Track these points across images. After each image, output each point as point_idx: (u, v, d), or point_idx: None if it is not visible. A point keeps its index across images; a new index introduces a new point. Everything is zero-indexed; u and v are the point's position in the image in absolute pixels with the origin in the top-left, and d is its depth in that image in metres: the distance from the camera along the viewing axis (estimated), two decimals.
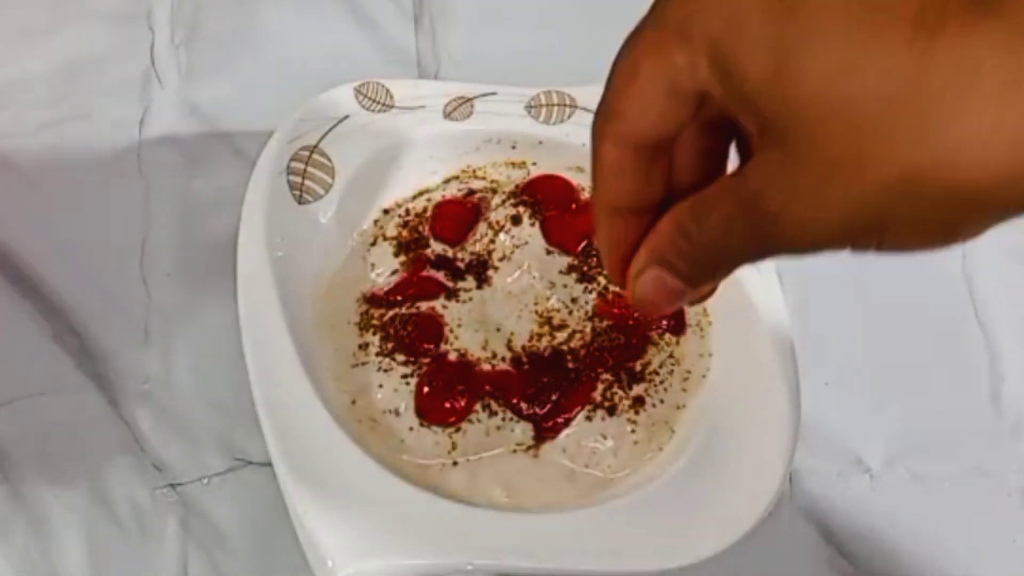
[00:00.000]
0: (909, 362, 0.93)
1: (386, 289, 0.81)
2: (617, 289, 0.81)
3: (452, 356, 0.78)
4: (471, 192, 0.86)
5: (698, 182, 0.50)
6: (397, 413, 0.75)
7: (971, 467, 0.89)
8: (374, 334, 0.78)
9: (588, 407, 0.76)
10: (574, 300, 0.82)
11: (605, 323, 0.80)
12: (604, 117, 0.48)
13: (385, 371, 0.76)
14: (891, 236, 0.42)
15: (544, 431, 0.76)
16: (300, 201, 0.79)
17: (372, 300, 0.80)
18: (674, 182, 0.50)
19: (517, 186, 0.85)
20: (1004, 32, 0.37)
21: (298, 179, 0.79)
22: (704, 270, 0.49)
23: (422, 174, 0.87)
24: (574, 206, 0.82)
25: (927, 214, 0.41)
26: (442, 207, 0.84)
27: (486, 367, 0.78)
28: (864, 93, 0.39)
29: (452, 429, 0.75)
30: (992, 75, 0.37)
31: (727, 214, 0.45)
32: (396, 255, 0.82)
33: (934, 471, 0.88)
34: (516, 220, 0.83)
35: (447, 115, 0.84)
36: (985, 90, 0.37)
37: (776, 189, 0.43)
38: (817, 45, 0.40)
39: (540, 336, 0.79)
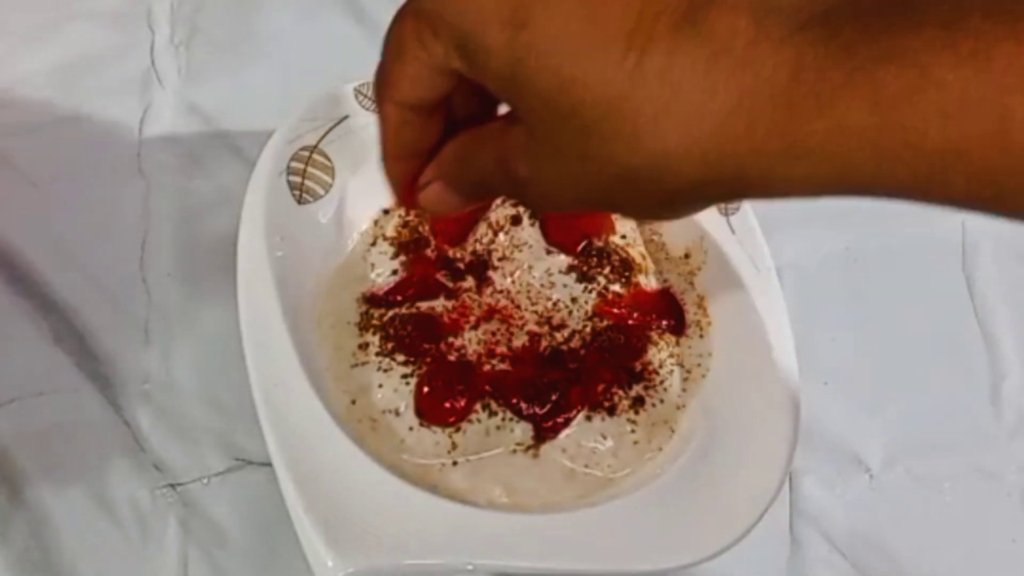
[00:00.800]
0: (909, 362, 0.93)
1: (386, 289, 0.81)
2: (616, 288, 0.82)
3: (452, 356, 0.78)
4: None
5: (475, 114, 0.56)
6: (397, 413, 0.75)
7: (971, 467, 0.89)
8: (374, 334, 0.78)
9: (588, 407, 0.76)
10: (574, 300, 0.82)
11: (605, 323, 0.80)
12: (382, 84, 0.55)
13: (385, 371, 0.76)
14: (620, 211, 0.55)
15: (544, 431, 0.76)
16: (300, 201, 0.79)
17: (372, 300, 0.80)
18: (456, 115, 0.56)
19: None
20: (704, 51, 0.42)
21: (298, 179, 0.79)
22: (476, 191, 0.58)
23: None
24: None
25: (645, 199, 0.48)
26: None
27: (486, 367, 0.78)
28: (585, 102, 0.44)
29: (452, 429, 0.75)
30: (691, 92, 0.42)
31: (490, 161, 0.53)
32: (396, 255, 0.82)
33: (934, 471, 0.89)
34: (516, 220, 0.83)
35: None
36: (685, 106, 0.42)
37: (523, 162, 0.50)
38: (544, 56, 0.45)
39: (540, 336, 0.79)
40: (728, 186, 0.45)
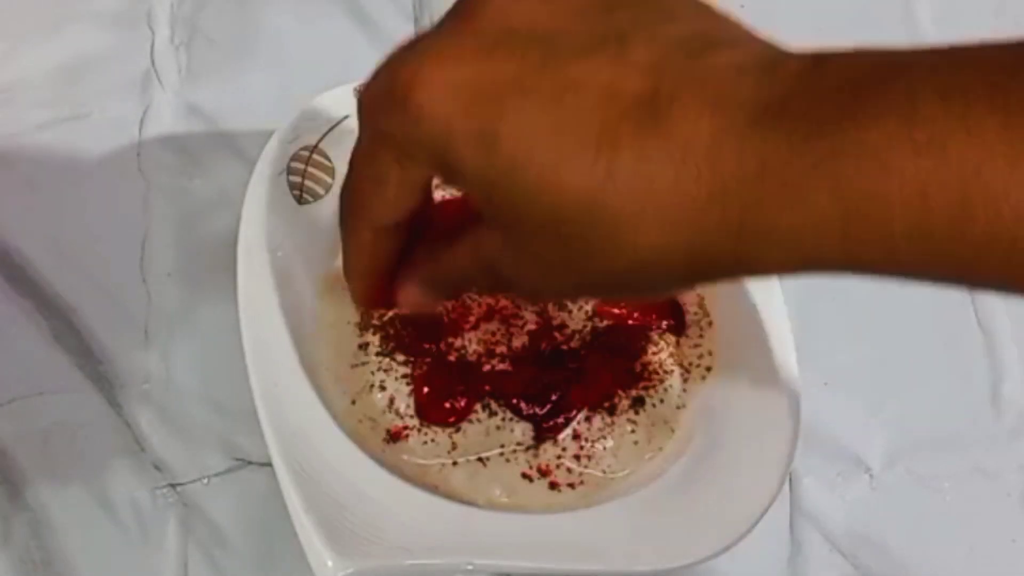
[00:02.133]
0: (909, 362, 0.93)
1: None
2: None
3: (452, 356, 0.78)
4: None
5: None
6: (397, 413, 0.75)
7: (971, 467, 0.89)
8: (374, 334, 0.78)
9: (588, 407, 0.76)
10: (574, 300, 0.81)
11: (605, 323, 0.80)
12: (358, 211, 0.58)
13: (385, 371, 0.76)
14: (609, 299, 0.60)
15: (544, 431, 0.76)
16: (300, 201, 0.79)
17: None
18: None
19: None
20: (670, 149, 0.43)
21: (298, 179, 0.79)
22: (454, 290, 0.64)
23: None
24: None
25: (631, 291, 0.53)
26: (441, 207, 0.83)
27: (486, 367, 0.78)
28: (561, 211, 0.45)
29: (452, 429, 0.75)
30: (663, 192, 0.43)
31: (468, 264, 0.55)
32: None
33: (934, 471, 0.89)
34: None
35: None
36: (659, 205, 0.43)
37: (506, 265, 0.52)
38: (516, 171, 0.46)
39: (540, 336, 0.79)
40: (708, 273, 0.47)
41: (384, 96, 0.50)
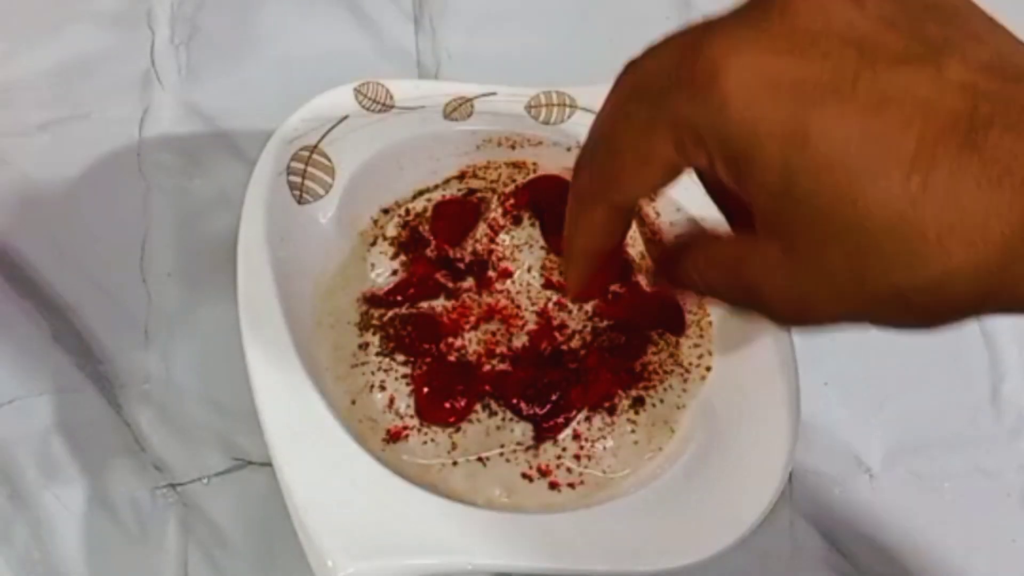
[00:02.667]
0: (909, 362, 0.93)
1: (386, 289, 0.80)
2: (616, 288, 0.82)
3: (452, 356, 0.78)
4: (471, 192, 0.85)
5: None
6: (397, 413, 0.75)
7: (971, 467, 0.89)
8: (374, 334, 0.78)
9: (588, 407, 0.76)
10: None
11: (605, 323, 0.80)
12: (605, 185, 0.55)
13: (385, 371, 0.76)
14: (878, 324, 0.50)
15: (544, 431, 0.76)
16: (300, 201, 0.79)
17: (372, 300, 0.80)
18: None
19: (517, 186, 0.84)
20: (987, 173, 0.42)
21: (298, 179, 0.79)
22: (695, 291, 0.61)
23: (422, 174, 0.86)
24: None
25: (914, 316, 0.47)
26: (442, 207, 0.84)
27: (486, 367, 0.78)
28: (865, 221, 0.44)
29: (452, 429, 0.74)
30: (975, 214, 0.42)
31: (728, 284, 0.55)
32: (396, 255, 0.82)
33: (934, 471, 0.89)
34: (516, 220, 0.83)
35: (447, 115, 0.84)
36: (969, 227, 0.42)
37: (774, 284, 0.50)
38: (822, 175, 0.45)
39: (540, 336, 0.79)
40: (1005, 303, 0.45)
41: (681, 76, 0.48)
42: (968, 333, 0.95)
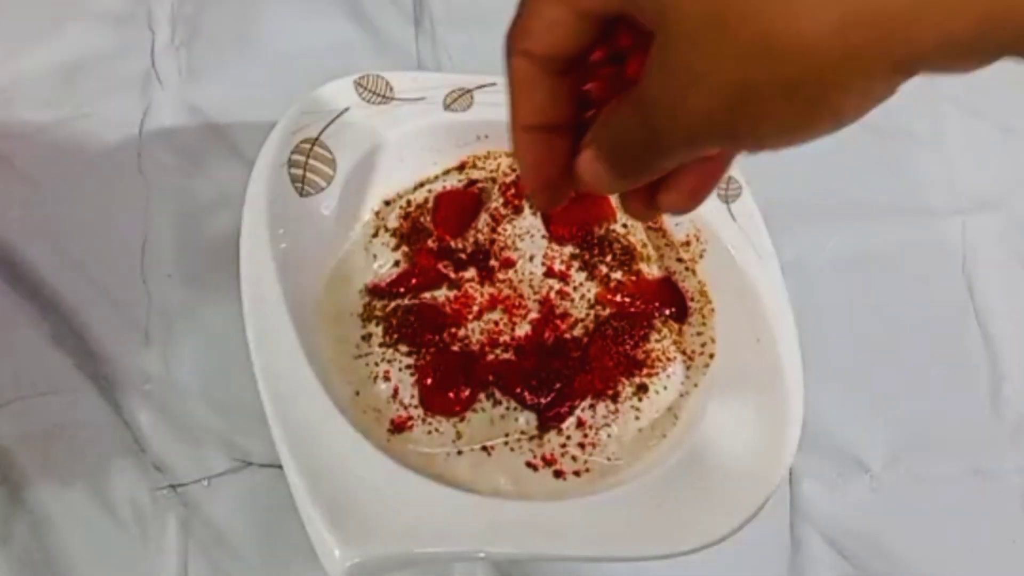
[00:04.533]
0: (909, 363, 0.93)
1: (388, 280, 0.81)
2: (618, 277, 0.82)
3: (455, 346, 0.78)
4: (472, 183, 0.86)
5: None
6: (401, 403, 0.75)
7: (971, 468, 0.90)
8: (377, 325, 0.78)
9: (592, 395, 0.76)
10: (576, 289, 0.82)
11: (607, 311, 0.80)
12: (517, 35, 0.52)
13: (389, 362, 0.76)
14: (762, 111, 0.44)
15: (548, 420, 0.76)
16: (302, 194, 0.79)
17: (374, 291, 0.80)
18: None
19: (518, 176, 0.85)
20: None
21: (299, 172, 0.79)
22: (624, 160, 0.53)
23: (423, 165, 0.87)
24: (574, 195, 0.82)
25: (786, 79, 0.42)
26: (443, 198, 0.84)
27: (489, 357, 0.78)
28: None
29: (456, 419, 0.75)
30: None
31: (629, 113, 0.50)
32: (398, 246, 0.82)
33: (934, 472, 0.89)
34: (517, 210, 0.83)
35: (447, 106, 0.85)
36: None
37: (656, 78, 0.46)
38: None
39: (543, 325, 0.79)
40: (866, 44, 0.40)
41: None
42: (968, 334, 0.96)
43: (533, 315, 0.80)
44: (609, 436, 0.75)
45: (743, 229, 0.82)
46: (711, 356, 0.79)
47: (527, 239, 0.82)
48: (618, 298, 0.81)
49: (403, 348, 0.77)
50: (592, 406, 0.76)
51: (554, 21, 0.50)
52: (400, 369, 0.76)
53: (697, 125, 0.46)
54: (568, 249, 0.83)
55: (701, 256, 0.84)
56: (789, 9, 0.40)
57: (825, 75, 0.41)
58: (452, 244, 0.83)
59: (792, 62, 0.41)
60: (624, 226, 0.84)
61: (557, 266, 0.82)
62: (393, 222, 0.83)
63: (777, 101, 0.43)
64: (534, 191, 0.58)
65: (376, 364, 0.76)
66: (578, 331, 0.79)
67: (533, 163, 0.56)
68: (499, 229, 0.82)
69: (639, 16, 0.46)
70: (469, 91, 0.85)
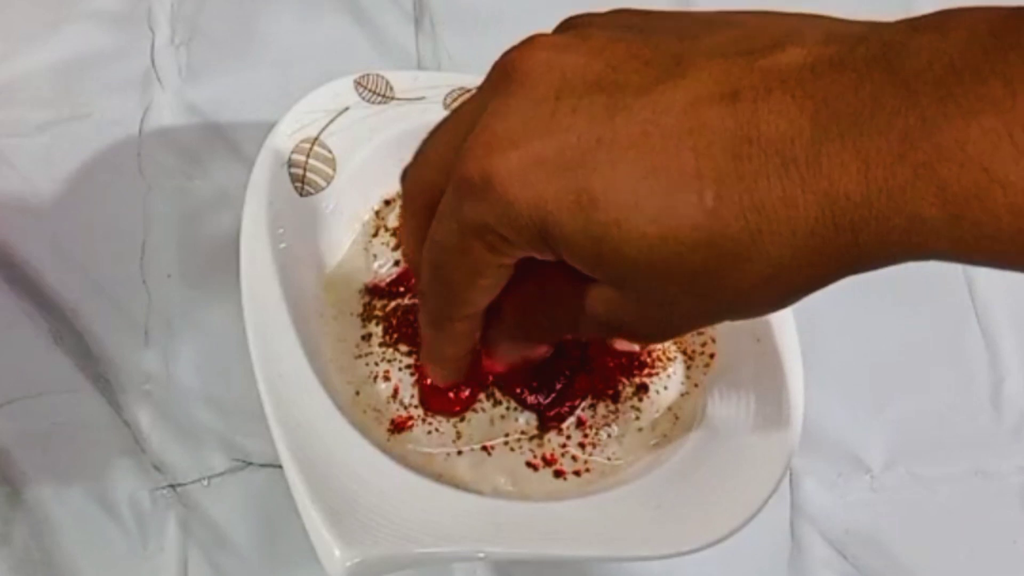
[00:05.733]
0: (909, 362, 0.93)
1: (388, 280, 0.80)
2: None
3: None
4: None
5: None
6: (401, 403, 0.74)
7: (971, 468, 0.90)
8: (377, 325, 0.78)
9: (592, 395, 0.76)
10: None
11: None
12: (453, 306, 0.58)
13: (388, 361, 0.76)
14: (732, 319, 0.52)
15: (548, 419, 0.75)
16: (302, 193, 0.79)
17: (375, 291, 0.80)
18: None
19: None
20: (770, 165, 0.42)
21: (299, 171, 0.79)
22: (549, 339, 0.66)
23: None
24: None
25: (760, 307, 0.49)
26: None
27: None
28: (680, 254, 0.44)
29: (456, 418, 0.74)
30: (776, 209, 0.43)
31: (568, 319, 0.56)
32: (398, 246, 0.81)
33: (934, 472, 0.89)
34: None
35: (447, 106, 0.84)
36: (775, 223, 0.43)
37: (626, 315, 0.52)
38: (622, 227, 0.45)
39: None
40: (830, 274, 0.46)
41: (461, 189, 0.49)
42: (968, 333, 0.96)
43: None
44: (609, 436, 0.75)
45: None
46: (711, 356, 0.79)
47: None
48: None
49: (403, 348, 0.76)
50: (592, 406, 0.76)
51: (490, 285, 0.55)
52: (400, 369, 0.75)
53: (666, 335, 0.59)
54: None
55: None
56: (751, 273, 0.45)
57: (794, 296, 0.48)
58: None
59: (770, 303, 0.49)
60: None
61: None
62: (393, 222, 0.82)
63: (750, 314, 0.50)
64: (450, 378, 0.70)
65: (376, 364, 0.76)
66: None
67: (458, 371, 0.68)
68: None
69: (586, 271, 0.50)
70: (469, 91, 0.84)
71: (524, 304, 0.59)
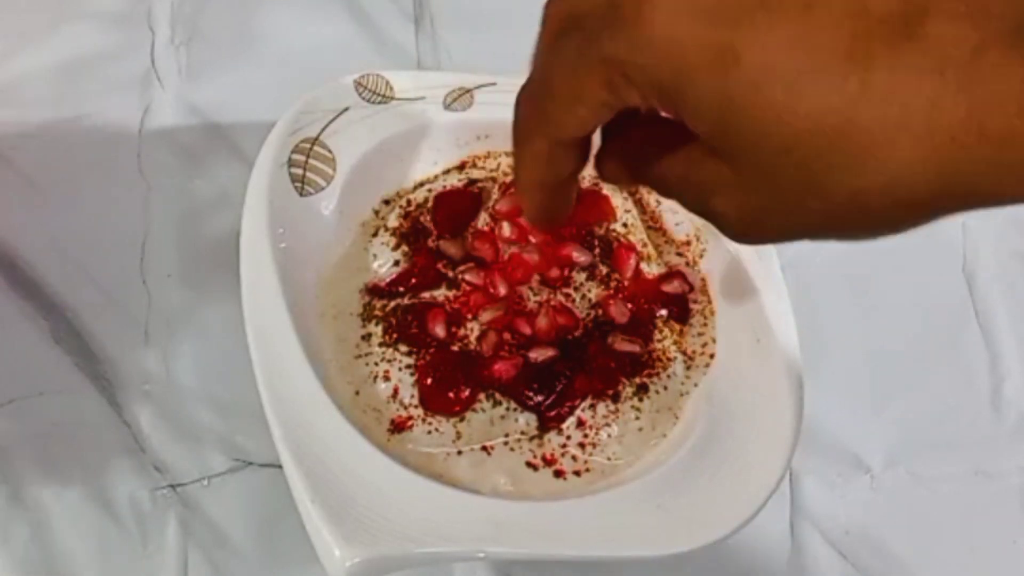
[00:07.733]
0: (909, 362, 0.93)
1: (388, 280, 0.80)
2: (619, 276, 0.82)
3: (455, 346, 0.78)
4: (472, 182, 0.86)
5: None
6: (401, 403, 0.74)
7: (971, 468, 0.90)
8: (376, 325, 0.78)
9: (592, 395, 0.76)
10: (577, 289, 0.81)
11: (608, 311, 0.80)
12: (540, 120, 0.54)
13: (388, 361, 0.76)
14: (834, 236, 0.49)
15: (548, 420, 0.76)
16: (302, 193, 0.79)
17: (374, 291, 0.80)
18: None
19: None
20: (927, 64, 0.41)
21: (299, 171, 0.79)
22: (651, 183, 0.57)
23: (423, 165, 0.87)
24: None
25: (870, 222, 0.46)
26: (443, 197, 0.84)
27: (489, 356, 0.78)
28: (808, 132, 0.43)
29: (456, 418, 0.74)
30: (919, 108, 0.41)
31: (676, 176, 0.53)
32: (397, 246, 0.81)
33: (934, 472, 0.89)
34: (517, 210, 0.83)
35: (447, 106, 0.85)
36: (914, 122, 0.41)
37: (724, 197, 0.50)
38: (757, 91, 0.43)
39: (543, 325, 0.79)
40: (960, 198, 0.44)
41: (607, 14, 0.47)
42: (968, 333, 0.96)
43: (533, 315, 0.80)
44: (609, 436, 0.75)
45: None
46: (711, 356, 0.79)
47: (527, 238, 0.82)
48: (619, 298, 0.81)
49: (403, 348, 0.76)
50: (592, 406, 0.76)
51: (587, 117, 0.52)
52: (400, 369, 0.76)
53: (765, 233, 0.51)
54: (569, 248, 0.83)
55: (701, 256, 0.84)
56: (882, 180, 0.43)
57: (907, 217, 0.46)
58: (452, 247, 0.83)
59: (880, 215, 0.46)
60: (624, 226, 0.84)
61: (558, 266, 0.82)
62: (393, 221, 0.83)
63: (857, 230, 0.47)
64: (539, 224, 0.63)
65: (376, 364, 0.76)
66: (579, 331, 0.79)
67: (542, 212, 0.61)
68: (499, 228, 0.82)
69: (702, 134, 0.48)
70: (469, 91, 0.85)
71: (646, 140, 0.55)
